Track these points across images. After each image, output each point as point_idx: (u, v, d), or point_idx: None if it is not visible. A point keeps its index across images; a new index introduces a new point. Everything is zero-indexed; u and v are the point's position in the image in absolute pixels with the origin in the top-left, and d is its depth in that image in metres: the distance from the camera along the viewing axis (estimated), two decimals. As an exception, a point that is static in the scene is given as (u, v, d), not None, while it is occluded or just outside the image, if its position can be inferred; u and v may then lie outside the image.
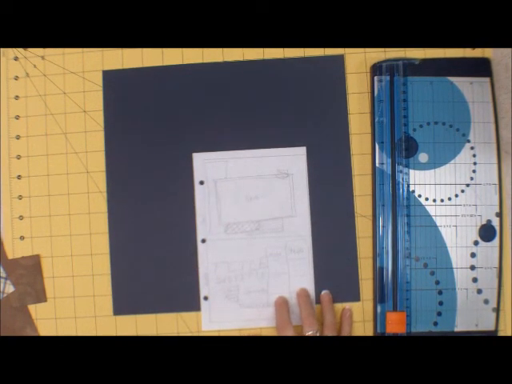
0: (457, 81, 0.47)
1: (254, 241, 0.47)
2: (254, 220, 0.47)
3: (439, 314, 0.45)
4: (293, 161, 0.47)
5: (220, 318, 0.46)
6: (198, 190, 0.47)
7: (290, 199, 0.47)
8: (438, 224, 0.46)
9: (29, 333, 0.47)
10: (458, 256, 0.46)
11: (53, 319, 0.47)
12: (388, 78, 0.46)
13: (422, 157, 0.46)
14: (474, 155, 0.46)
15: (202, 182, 0.47)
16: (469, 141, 0.46)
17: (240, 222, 0.47)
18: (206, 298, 0.46)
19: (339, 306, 0.46)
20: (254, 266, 0.46)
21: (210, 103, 0.48)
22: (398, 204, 0.46)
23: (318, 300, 0.46)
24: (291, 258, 0.46)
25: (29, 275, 0.47)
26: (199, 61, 0.48)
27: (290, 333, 0.42)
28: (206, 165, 0.47)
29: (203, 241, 0.47)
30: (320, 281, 0.46)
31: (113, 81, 0.48)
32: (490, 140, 0.46)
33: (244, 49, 0.48)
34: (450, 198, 0.46)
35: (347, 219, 0.47)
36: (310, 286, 0.46)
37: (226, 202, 0.47)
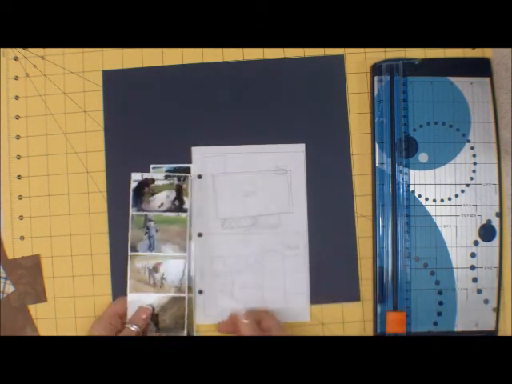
0: (457, 81, 0.47)
1: (250, 236, 0.47)
2: (251, 215, 0.47)
3: (439, 313, 0.45)
4: (291, 157, 0.47)
5: (214, 312, 0.46)
6: (196, 184, 0.47)
7: (288, 195, 0.47)
8: (438, 224, 0.46)
9: (29, 333, 0.47)
10: (458, 256, 0.46)
11: (53, 319, 0.47)
12: (388, 78, 0.46)
13: (422, 157, 0.46)
14: (474, 155, 0.46)
15: (200, 176, 0.47)
16: (469, 141, 0.46)
17: (237, 217, 0.47)
18: (200, 292, 0.46)
19: (338, 306, 0.46)
20: (250, 261, 0.46)
21: (210, 103, 0.48)
22: (397, 204, 0.46)
23: (314, 300, 0.46)
24: (287, 254, 0.46)
25: (29, 275, 0.47)
26: (199, 61, 0.48)
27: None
28: (204, 159, 0.47)
29: (200, 234, 0.47)
30: (316, 278, 0.46)
31: (113, 81, 0.48)
32: (490, 140, 0.46)
33: (244, 49, 0.48)
34: (450, 198, 0.46)
35: (347, 219, 0.47)
36: (305, 283, 0.46)
37: (223, 197, 0.47)
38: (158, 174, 0.45)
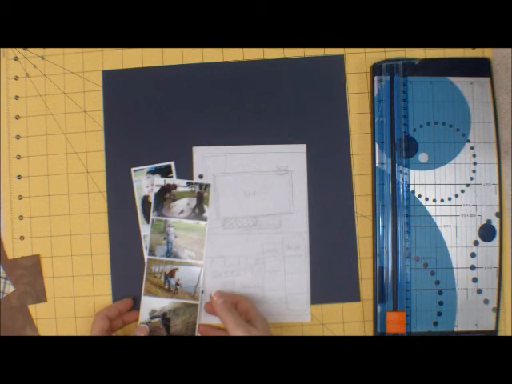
0: (457, 81, 0.47)
1: (251, 236, 0.47)
2: (252, 215, 0.47)
3: (439, 313, 0.45)
4: (292, 158, 0.47)
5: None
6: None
7: (289, 196, 0.47)
8: (438, 224, 0.46)
9: (29, 333, 0.47)
10: (458, 256, 0.46)
11: (53, 319, 0.47)
12: (388, 77, 0.46)
13: (422, 157, 0.46)
14: (474, 155, 0.46)
15: (201, 176, 0.47)
16: (469, 141, 0.46)
17: (238, 217, 0.47)
18: (201, 292, 0.46)
19: (338, 306, 0.46)
20: (251, 261, 0.46)
21: (211, 103, 0.47)
22: (397, 204, 0.46)
23: (314, 300, 0.46)
24: (288, 254, 0.46)
25: (29, 275, 0.47)
26: (199, 61, 0.48)
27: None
28: (205, 159, 0.47)
29: None
30: (316, 278, 0.46)
31: (113, 81, 0.48)
32: (490, 140, 0.46)
33: (244, 49, 0.48)
34: (450, 198, 0.46)
35: (347, 219, 0.47)
36: (306, 284, 0.46)
37: (224, 197, 0.47)
38: (180, 180, 0.45)
